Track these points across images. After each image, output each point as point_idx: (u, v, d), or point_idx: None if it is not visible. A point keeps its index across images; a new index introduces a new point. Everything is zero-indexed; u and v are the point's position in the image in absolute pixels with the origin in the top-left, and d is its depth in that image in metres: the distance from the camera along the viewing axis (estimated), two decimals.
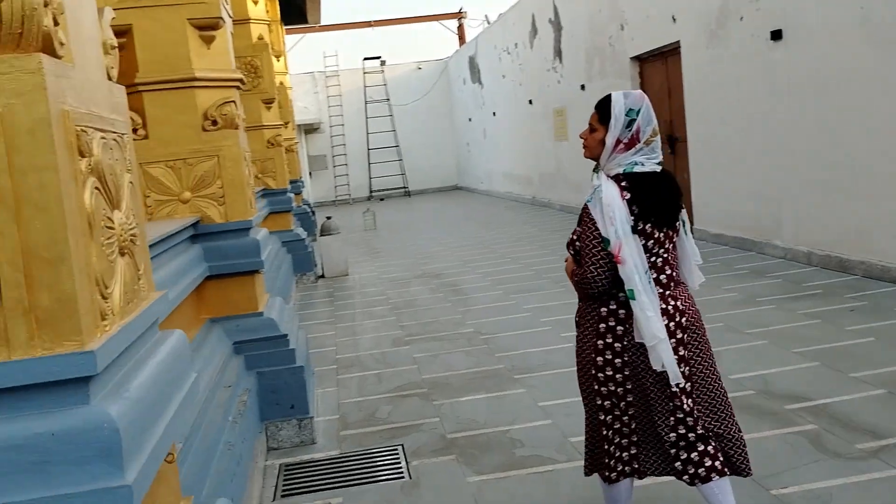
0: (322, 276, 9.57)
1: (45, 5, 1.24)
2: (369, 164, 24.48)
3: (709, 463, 2.50)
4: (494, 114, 19.88)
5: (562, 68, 14.20)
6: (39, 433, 1.24)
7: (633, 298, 2.41)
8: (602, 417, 2.59)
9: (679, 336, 2.51)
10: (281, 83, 13.40)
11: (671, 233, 2.54)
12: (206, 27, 3.90)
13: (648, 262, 2.47)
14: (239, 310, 4.07)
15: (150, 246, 3.31)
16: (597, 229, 2.44)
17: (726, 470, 2.54)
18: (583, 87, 13.07)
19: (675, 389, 2.48)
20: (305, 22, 17.23)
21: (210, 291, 4.04)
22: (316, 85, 24.24)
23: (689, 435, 2.50)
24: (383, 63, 24.58)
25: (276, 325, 4.06)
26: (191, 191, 3.95)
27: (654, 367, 2.44)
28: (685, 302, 2.56)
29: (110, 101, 1.57)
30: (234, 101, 3.98)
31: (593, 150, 2.56)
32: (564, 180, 14.80)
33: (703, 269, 2.80)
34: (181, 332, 1.85)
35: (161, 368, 1.61)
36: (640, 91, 2.58)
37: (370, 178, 24.56)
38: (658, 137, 2.52)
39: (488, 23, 21.80)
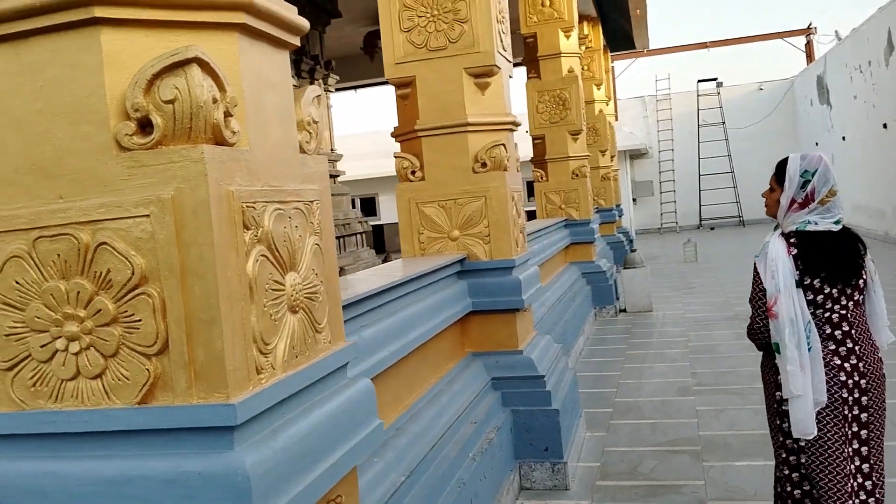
0: (623, 311, 9.40)
1: (214, 101, 1.43)
2: (699, 190, 23.48)
3: None
4: (844, 138, 17.93)
5: None
6: (189, 471, 1.43)
7: (779, 353, 2.53)
8: (787, 472, 2.69)
9: (857, 396, 2.55)
10: (600, 111, 13.51)
11: (850, 290, 2.59)
12: (481, 75, 4.10)
13: (822, 318, 2.57)
14: (499, 346, 4.18)
15: (418, 278, 3.58)
16: (761, 282, 2.59)
17: None
18: None
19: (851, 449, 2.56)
20: (633, 48, 17.13)
21: (474, 326, 4.22)
22: (645, 109, 23.93)
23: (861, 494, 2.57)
24: (720, 85, 23.48)
25: (534, 365, 4.11)
26: (459, 229, 4.17)
27: (792, 422, 2.51)
28: (869, 362, 2.58)
29: (301, 172, 1.74)
30: (503, 144, 4.12)
31: (772, 209, 2.71)
32: None
33: None
34: (368, 381, 1.98)
35: (330, 416, 1.74)
36: (819, 154, 2.64)
37: (700, 205, 23.54)
38: (836, 197, 2.60)
39: (839, 39, 19.75)
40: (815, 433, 2.50)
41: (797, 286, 2.51)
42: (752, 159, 22.94)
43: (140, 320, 1.43)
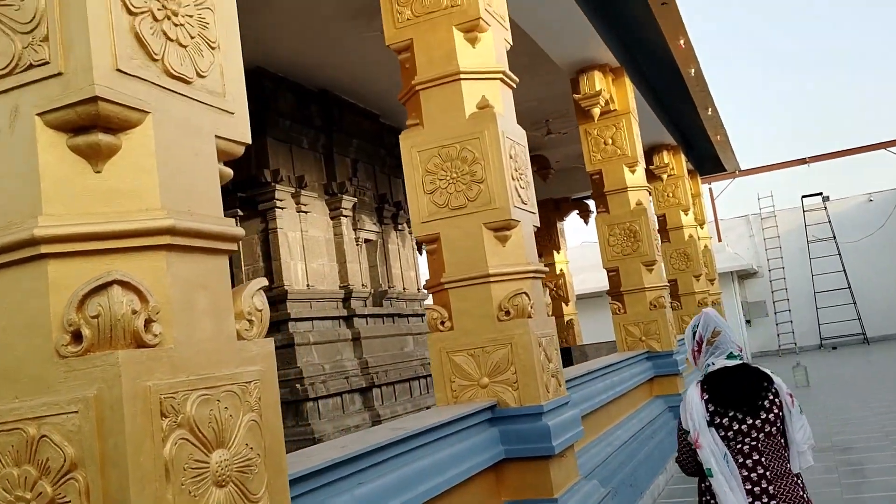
0: None
1: (134, 312, 1.73)
2: (816, 308, 22.43)
3: None
4: None
5: None
6: None
7: (712, 476, 2.93)
8: None
9: None
10: (690, 236, 13.44)
11: (759, 423, 2.95)
12: (500, 228, 4.36)
13: (735, 450, 2.95)
14: (535, 494, 4.20)
15: (446, 424, 3.74)
16: (682, 422, 3.07)
17: None
18: None
19: None
20: (723, 170, 17.10)
21: (508, 473, 4.27)
22: (751, 228, 23.47)
23: None
24: (826, 199, 22.84)
25: None
26: (488, 376, 4.32)
27: None
28: (779, 485, 2.92)
29: (238, 357, 2.00)
30: (525, 293, 4.30)
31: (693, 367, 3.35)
32: None
33: None
34: None
35: None
36: (702, 310, 3.23)
37: (819, 324, 22.42)
38: (721, 335, 3.07)
39: None
40: None
41: (710, 425, 2.96)
42: (870, 272, 21.87)
43: (69, 502, 1.68)
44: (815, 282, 22.49)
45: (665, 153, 13.16)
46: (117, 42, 1.76)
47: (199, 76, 2.00)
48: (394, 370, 10.09)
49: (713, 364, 3.07)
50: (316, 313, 9.32)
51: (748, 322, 22.83)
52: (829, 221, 22.61)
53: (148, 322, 1.76)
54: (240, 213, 9.05)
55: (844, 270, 22.21)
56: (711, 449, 2.93)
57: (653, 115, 11.11)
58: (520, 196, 4.50)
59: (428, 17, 4.52)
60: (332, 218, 10.03)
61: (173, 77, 1.90)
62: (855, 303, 21.95)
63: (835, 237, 22.46)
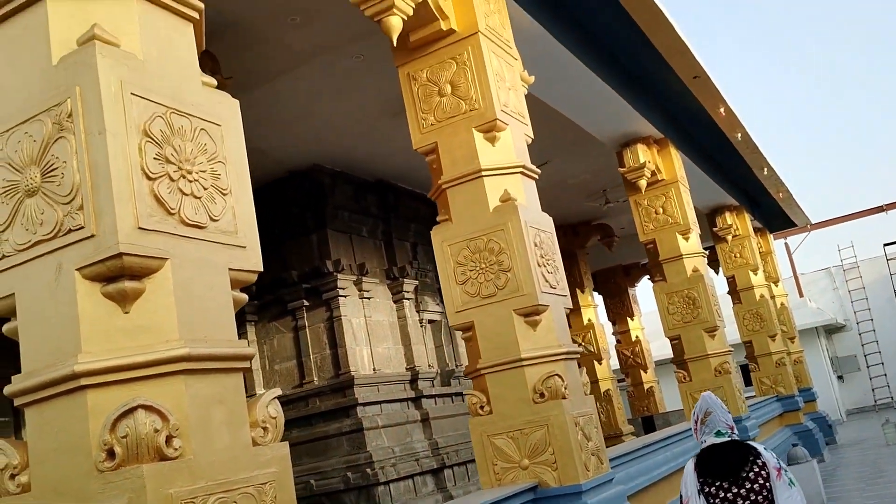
0: None
1: (156, 431, 2.05)
2: None
3: None
4: None
5: None
6: None
7: None
8: None
9: None
10: (762, 296, 13.25)
11: (745, 492, 3.26)
12: (530, 314, 4.58)
13: None
14: None
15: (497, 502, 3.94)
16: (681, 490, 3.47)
17: None
18: None
19: None
20: (793, 225, 16.83)
21: None
22: (834, 281, 22.75)
23: None
24: None
25: None
26: (528, 458, 4.48)
27: None
28: None
29: (253, 461, 2.29)
30: (557, 375, 4.48)
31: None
32: None
33: None
34: None
35: None
36: (706, 393, 3.62)
37: None
38: (711, 416, 3.43)
39: None
40: None
41: (700, 493, 3.34)
42: None
43: None
44: None
45: (727, 214, 13.12)
46: (138, 205, 2.13)
47: (213, 220, 2.36)
48: (465, 449, 10.19)
49: (705, 441, 3.46)
50: (384, 396, 9.59)
51: (840, 378, 21.94)
52: None
53: (169, 438, 2.08)
54: (305, 303, 9.51)
55: None
56: None
57: (707, 179, 11.19)
58: (547, 281, 4.73)
59: (449, 121, 4.88)
60: (394, 302, 10.39)
61: (188, 225, 2.27)
62: None
63: None
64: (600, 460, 4.70)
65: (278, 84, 7.46)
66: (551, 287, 4.76)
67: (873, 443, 13.70)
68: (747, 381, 14.82)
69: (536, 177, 5.08)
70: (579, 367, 4.93)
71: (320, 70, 7.29)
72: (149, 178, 2.19)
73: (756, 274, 13.40)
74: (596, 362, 14.47)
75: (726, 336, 9.30)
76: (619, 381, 16.93)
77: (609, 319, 17.66)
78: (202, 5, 2.57)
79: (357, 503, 8.80)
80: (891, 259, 22.21)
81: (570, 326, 14.97)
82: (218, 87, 6.45)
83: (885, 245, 22.31)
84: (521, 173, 4.91)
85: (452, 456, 9.88)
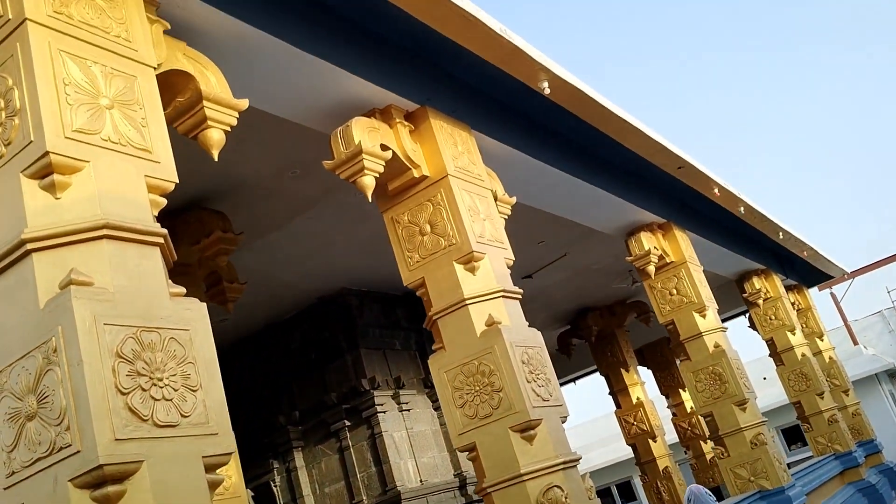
0: None
1: None
2: None
3: None
4: None
5: None
6: None
7: None
8: None
9: None
10: (803, 355, 13.14)
11: None
12: (524, 429, 4.86)
13: None
14: None
15: None
16: None
17: None
18: None
19: None
20: (829, 278, 16.70)
21: None
22: (888, 324, 22.21)
23: None
24: None
25: None
26: None
27: None
28: None
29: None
30: (556, 486, 4.72)
31: None
32: None
33: None
34: None
35: None
36: (690, 487, 4.25)
37: None
38: None
39: None
40: None
41: None
42: None
43: None
44: None
45: (755, 279, 13.17)
46: (114, 419, 2.56)
47: (184, 416, 2.77)
48: None
49: None
50: None
51: None
52: None
53: None
54: (347, 423, 9.88)
55: None
56: None
57: (724, 251, 11.37)
58: (539, 395, 5.01)
59: (432, 257, 5.31)
60: (434, 409, 10.67)
61: (161, 426, 2.69)
62: None
63: None
64: None
65: (294, 225, 8.02)
66: (543, 400, 5.04)
67: None
68: (803, 442, 14.54)
69: (519, 297, 5.43)
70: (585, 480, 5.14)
71: (332, 208, 7.84)
72: (122, 394, 2.62)
73: (794, 333, 13.31)
74: (651, 440, 14.38)
75: (757, 406, 9.31)
76: (684, 453, 16.72)
77: (662, 393, 17.54)
78: (165, 231, 3.06)
79: None
80: None
81: (619, 407, 15.07)
82: (231, 244, 7.01)
83: None
84: (503, 296, 5.27)
85: None
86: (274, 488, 10.33)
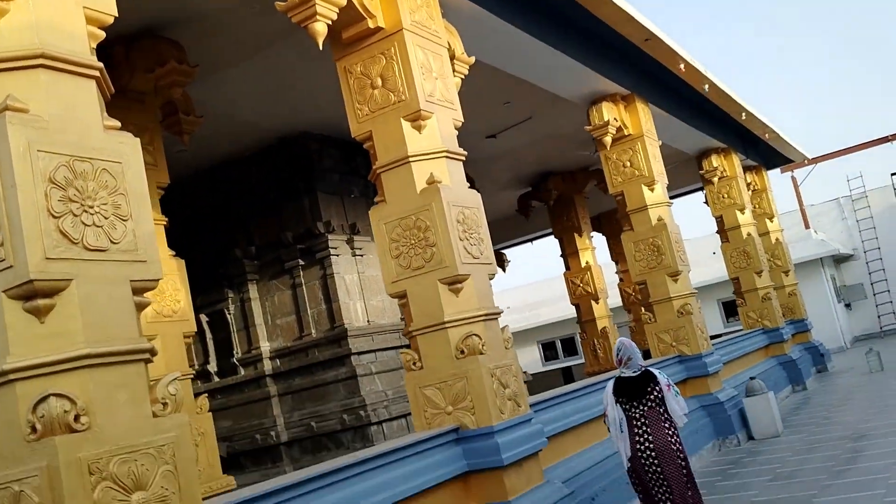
0: (752, 439, 9.40)
1: (66, 412, 2.73)
2: None
3: None
4: None
5: None
6: None
7: (610, 432, 5.42)
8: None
9: (652, 458, 5.14)
10: (748, 235, 13.61)
11: (645, 401, 5.24)
12: (453, 282, 5.19)
13: (630, 415, 5.27)
14: (493, 498, 5.02)
15: (413, 444, 4.66)
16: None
17: None
18: None
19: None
20: (790, 161, 17.00)
21: (473, 483, 5.11)
22: (843, 211, 22.85)
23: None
24: None
25: None
26: (452, 405, 5.16)
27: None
28: (656, 437, 5.15)
29: (154, 430, 2.97)
30: (475, 335, 5.12)
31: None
32: None
33: None
34: None
35: None
36: (620, 339, 5.57)
37: None
38: (631, 361, 5.37)
39: None
40: (628, 465, 5.28)
41: (616, 403, 5.31)
42: None
43: None
44: None
45: (714, 157, 13.42)
46: (45, 240, 2.78)
47: (113, 243, 3.00)
48: None
49: (623, 373, 5.39)
50: (378, 345, 10.33)
51: (848, 306, 22.29)
52: None
53: (77, 416, 2.76)
54: (301, 262, 10.22)
55: None
56: (613, 417, 5.34)
57: (687, 127, 11.51)
58: (469, 253, 5.31)
59: (381, 111, 5.43)
60: None
61: (91, 250, 2.91)
62: None
63: None
64: (517, 404, 5.35)
65: (256, 62, 7.92)
66: (473, 258, 5.35)
67: (859, 371, 14.17)
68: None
69: (463, 158, 5.61)
70: (504, 335, 5.54)
71: (292, 48, 7.75)
72: (54, 217, 2.82)
73: (743, 213, 13.75)
74: (593, 302, 15.05)
75: (690, 279, 9.81)
76: (627, 315, 17.55)
77: (612, 259, 18.14)
78: (101, 64, 3.16)
79: (353, 442, 9.65)
80: None
81: (568, 269, 15.57)
82: (185, 75, 6.96)
83: (893, 174, 22.29)
84: (447, 157, 5.44)
85: None
86: (228, 316, 10.80)
